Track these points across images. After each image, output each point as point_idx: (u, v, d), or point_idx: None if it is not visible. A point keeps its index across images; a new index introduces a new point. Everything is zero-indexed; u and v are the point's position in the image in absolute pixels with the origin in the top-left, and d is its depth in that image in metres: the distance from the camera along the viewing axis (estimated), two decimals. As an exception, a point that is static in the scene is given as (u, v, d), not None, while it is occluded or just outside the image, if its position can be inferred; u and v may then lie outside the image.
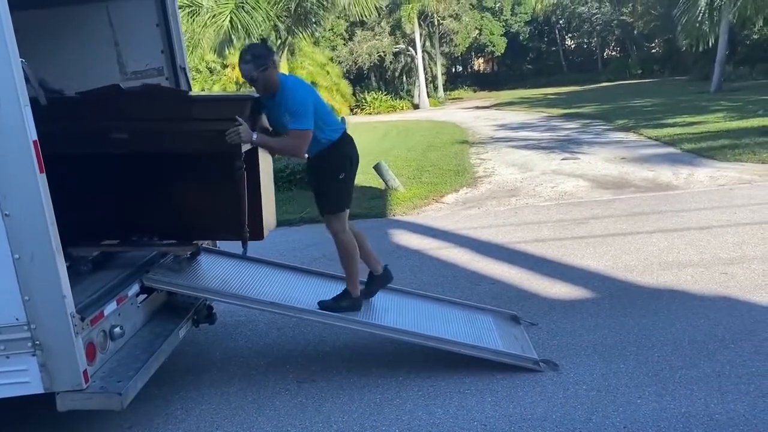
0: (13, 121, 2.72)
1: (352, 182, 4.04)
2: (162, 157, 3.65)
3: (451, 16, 36.17)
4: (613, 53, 45.45)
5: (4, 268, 2.81)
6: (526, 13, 41.42)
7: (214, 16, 11.15)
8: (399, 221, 8.15)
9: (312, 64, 26.10)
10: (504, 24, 41.07)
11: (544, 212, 7.85)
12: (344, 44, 35.60)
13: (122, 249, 3.91)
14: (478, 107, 29.25)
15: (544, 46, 46.24)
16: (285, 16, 11.23)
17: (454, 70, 46.98)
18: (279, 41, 12.44)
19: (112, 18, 4.52)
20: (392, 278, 4.35)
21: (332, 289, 4.16)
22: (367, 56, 35.15)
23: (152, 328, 3.72)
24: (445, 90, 39.24)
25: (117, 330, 3.33)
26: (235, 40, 11.80)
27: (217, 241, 4.65)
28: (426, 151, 14.49)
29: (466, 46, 39.53)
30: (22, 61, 2.78)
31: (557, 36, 44.96)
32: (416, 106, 34.82)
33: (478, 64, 50.30)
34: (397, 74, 38.51)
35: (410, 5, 32.82)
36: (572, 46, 47.28)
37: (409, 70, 37.86)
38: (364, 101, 34.76)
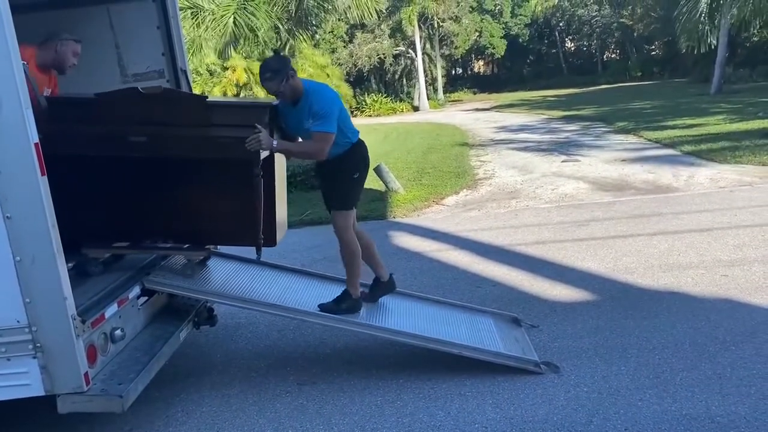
0: (15, 124, 2.72)
1: (362, 184, 4.09)
2: (179, 161, 3.63)
3: (451, 18, 36.21)
4: (613, 55, 45.49)
5: (5, 271, 2.81)
6: (526, 16, 41.45)
7: (215, 19, 11.18)
8: (399, 223, 8.15)
9: (312, 67, 26.08)
10: (504, 26, 41.10)
11: (545, 214, 7.85)
12: (344, 46, 35.64)
13: (134, 251, 3.90)
14: (478, 109, 29.26)
15: (544, 49, 46.28)
16: (286, 19, 11.26)
17: (454, 72, 47.03)
18: (279, 44, 12.47)
19: (113, 20, 4.53)
20: (396, 287, 4.39)
21: (333, 292, 4.16)
22: (367, 58, 35.18)
23: (153, 330, 3.72)
24: (445, 92, 39.27)
25: (118, 332, 3.33)
26: (238, 41, 11.83)
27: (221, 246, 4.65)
28: (426, 153, 14.50)
29: (466, 48, 39.57)
30: (23, 64, 2.78)
31: (557, 38, 44.99)
32: (416, 109, 34.85)
33: (478, 66, 50.36)
34: (397, 76, 38.53)
35: (410, 8, 32.87)
36: (572, 49, 47.31)
37: (409, 73, 37.89)
38: (364, 103, 34.78)
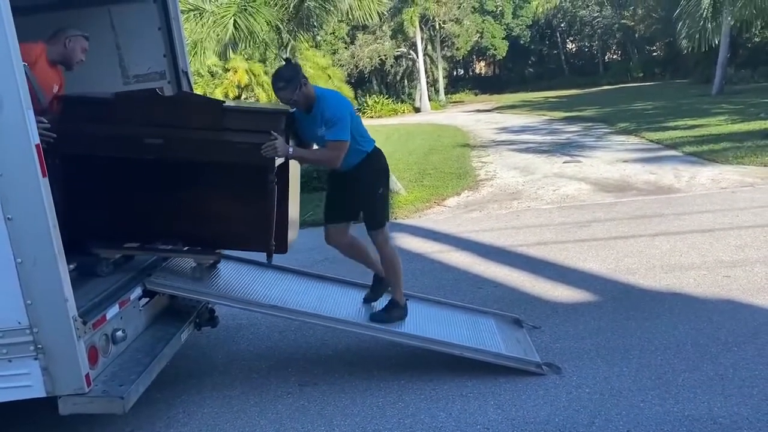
0: (16, 125, 2.71)
1: (388, 197, 4.11)
2: (193, 165, 3.63)
3: (452, 20, 36.23)
4: (615, 56, 45.51)
5: (6, 272, 2.81)
6: (528, 17, 41.46)
7: (215, 21, 11.18)
8: (401, 224, 8.15)
9: (313, 68, 26.10)
10: (505, 27, 41.11)
11: (546, 215, 7.84)
12: (346, 48, 35.67)
13: (145, 253, 3.90)
14: (479, 110, 29.26)
15: (545, 50, 46.30)
16: (287, 20, 11.25)
17: (455, 73, 47.06)
18: (281, 45, 12.45)
19: (114, 22, 4.53)
20: None
21: (333, 292, 4.17)
22: (368, 60, 35.21)
23: (154, 331, 3.72)
24: (446, 93, 39.28)
25: (119, 333, 3.33)
26: (237, 44, 11.83)
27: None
28: (427, 155, 14.50)
29: (468, 49, 39.58)
30: (24, 65, 2.78)
31: (558, 39, 45.01)
32: (417, 110, 34.86)
33: (480, 67, 50.37)
34: (398, 78, 38.56)
35: (412, 9, 32.87)
36: (573, 50, 47.32)
37: (411, 74, 37.90)
38: (365, 105, 34.78)
